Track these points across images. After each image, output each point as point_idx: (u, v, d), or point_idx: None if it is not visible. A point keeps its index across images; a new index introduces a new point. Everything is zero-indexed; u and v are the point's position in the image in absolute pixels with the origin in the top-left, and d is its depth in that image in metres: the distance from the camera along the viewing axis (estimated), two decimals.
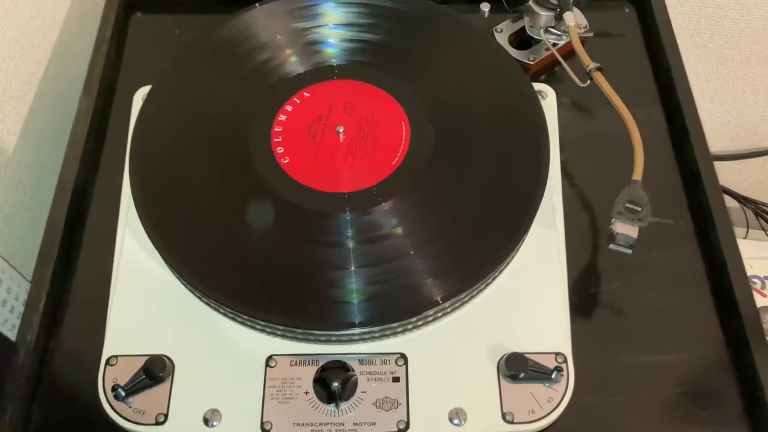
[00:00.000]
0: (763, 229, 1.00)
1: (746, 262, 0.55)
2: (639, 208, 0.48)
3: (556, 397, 0.48)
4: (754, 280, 0.86)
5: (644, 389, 0.51)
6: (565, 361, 0.49)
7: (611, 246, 0.49)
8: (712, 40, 0.90)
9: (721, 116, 1.00)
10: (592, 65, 0.56)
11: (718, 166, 0.59)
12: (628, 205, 0.48)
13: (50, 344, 0.53)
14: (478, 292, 0.51)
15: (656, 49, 0.66)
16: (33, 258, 0.55)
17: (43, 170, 0.68)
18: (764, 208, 0.99)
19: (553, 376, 0.47)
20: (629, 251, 0.49)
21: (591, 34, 0.64)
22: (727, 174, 1.07)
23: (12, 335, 0.58)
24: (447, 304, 0.48)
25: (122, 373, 0.48)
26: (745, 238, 1.01)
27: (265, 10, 0.60)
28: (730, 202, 0.99)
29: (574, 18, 0.60)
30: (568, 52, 0.64)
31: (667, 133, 0.63)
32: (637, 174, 0.50)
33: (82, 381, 0.50)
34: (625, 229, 0.48)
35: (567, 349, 0.49)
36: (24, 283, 0.61)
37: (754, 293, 0.57)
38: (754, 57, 0.92)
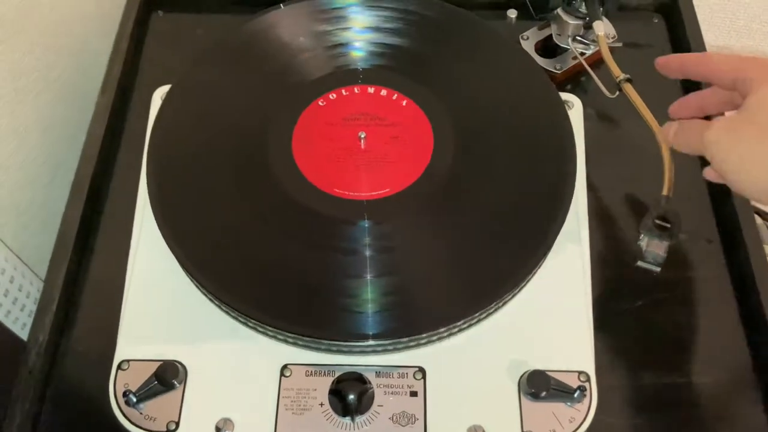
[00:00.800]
0: None
1: None
2: (668, 225, 0.47)
3: (578, 417, 0.46)
4: None
5: (668, 411, 0.50)
6: (588, 380, 0.47)
7: (639, 263, 0.48)
8: (742, 53, 0.88)
9: None
10: (621, 76, 0.55)
11: None
12: (657, 221, 0.47)
13: (61, 345, 0.52)
14: (499, 307, 0.49)
15: None
16: (47, 256, 0.55)
17: (59, 168, 0.68)
18: None
19: (575, 395, 0.46)
20: (658, 269, 0.47)
21: (619, 44, 0.63)
22: None
23: (23, 334, 0.57)
24: (467, 319, 0.47)
25: (134, 379, 0.47)
26: None
27: (288, 11, 0.59)
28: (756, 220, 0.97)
29: (603, 27, 0.59)
30: (596, 62, 0.62)
31: None
32: (667, 189, 0.49)
33: (93, 384, 0.50)
34: (654, 246, 0.47)
35: (590, 368, 0.48)
36: (36, 281, 0.61)
37: None
38: None
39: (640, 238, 0.48)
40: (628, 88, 0.54)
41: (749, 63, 0.42)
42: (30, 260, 0.62)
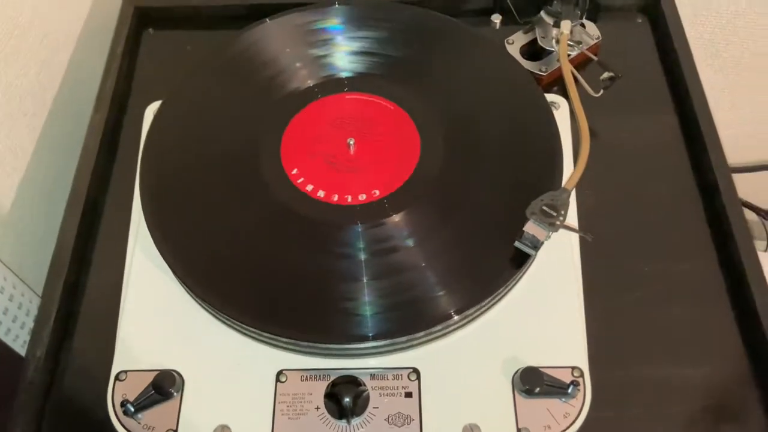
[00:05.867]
0: None
1: (766, 276, 0.53)
2: (554, 214, 0.48)
3: (572, 413, 0.47)
4: None
5: (663, 404, 0.50)
6: (582, 375, 0.48)
7: (516, 243, 0.48)
8: (727, 50, 0.89)
9: (739, 127, 0.99)
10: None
11: (737, 177, 0.58)
12: (545, 207, 0.48)
13: (60, 359, 0.53)
14: (491, 305, 0.50)
15: (670, 59, 0.65)
16: (45, 272, 0.55)
17: (56, 184, 0.68)
18: None
19: (569, 390, 0.46)
20: (533, 252, 0.48)
21: (596, 41, 0.64)
22: (745, 186, 1.05)
23: (23, 351, 0.57)
24: (460, 317, 0.47)
25: (131, 389, 0.48)
26: (765, 251, 0.99)
27: (274, 25, 0.60)
28: (749, 215, 0.97)
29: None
30: (582, 62, 0.63)
31: (684, 144, 0.62)
32: (570, 183, 0.50)
33: (92, 396, 0.50)
34: (535, 230, 0.48)
35: (583, 362, 0.48)
36: (36, 298, 0.61)
37: None
38: None
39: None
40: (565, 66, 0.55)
41: None
42: (28, 278, 0.62)
